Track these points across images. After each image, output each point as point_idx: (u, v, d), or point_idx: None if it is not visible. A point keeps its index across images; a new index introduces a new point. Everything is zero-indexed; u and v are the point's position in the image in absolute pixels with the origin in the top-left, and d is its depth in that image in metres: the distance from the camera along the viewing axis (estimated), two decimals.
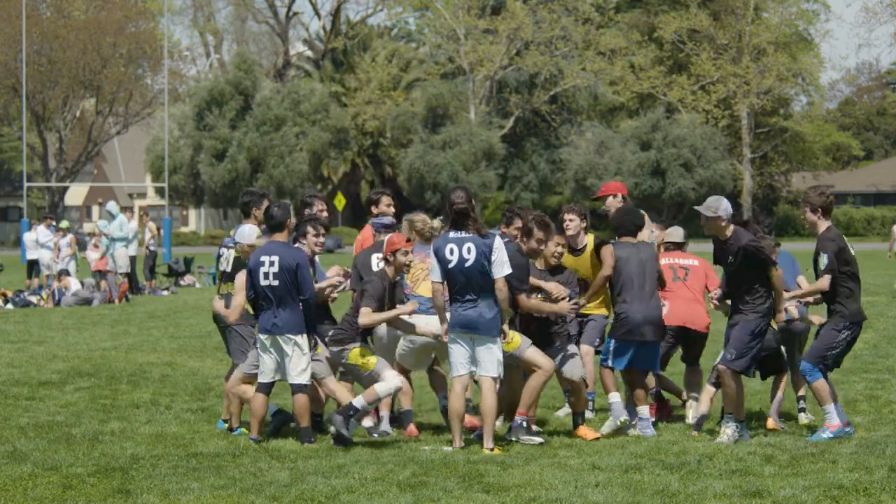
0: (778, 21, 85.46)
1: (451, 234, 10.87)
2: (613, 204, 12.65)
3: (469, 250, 10.74)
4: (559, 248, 11.70)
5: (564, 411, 12.77)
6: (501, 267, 10.73)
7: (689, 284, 12.56)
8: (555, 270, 11.76)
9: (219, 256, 12.13)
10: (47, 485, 9.38)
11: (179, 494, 9.04)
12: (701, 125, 77.56)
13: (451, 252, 10.78)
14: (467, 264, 10.73)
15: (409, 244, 11.27)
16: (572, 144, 79.60)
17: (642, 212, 12.53)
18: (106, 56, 75.34)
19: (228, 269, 11.89)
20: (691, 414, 12.28)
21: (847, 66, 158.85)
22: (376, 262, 11.74)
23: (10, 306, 28.48)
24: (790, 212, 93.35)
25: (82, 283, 30.35)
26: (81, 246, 36.99)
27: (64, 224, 33.28)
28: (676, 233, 13.17)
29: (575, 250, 12.38)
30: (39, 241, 32.71)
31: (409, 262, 11.25)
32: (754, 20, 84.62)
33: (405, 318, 11.33)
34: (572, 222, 12.33)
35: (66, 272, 30.23)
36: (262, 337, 11.27)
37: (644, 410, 11.76)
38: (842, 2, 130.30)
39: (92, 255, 31.06)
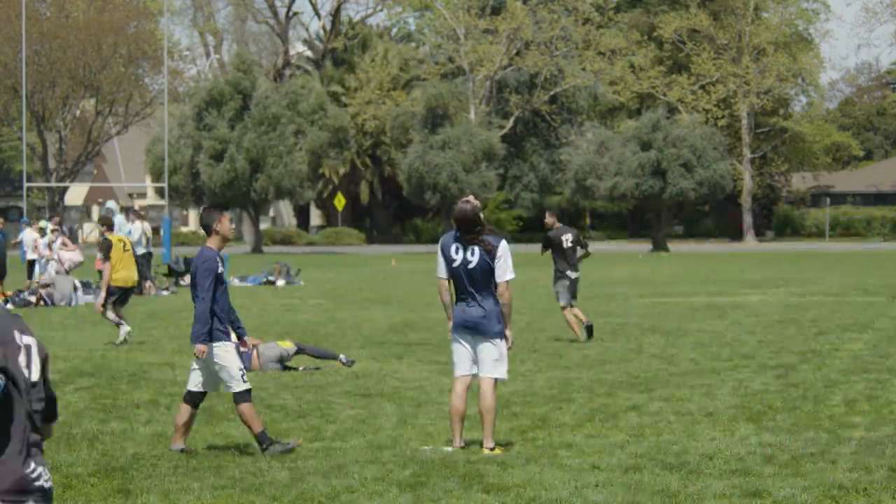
0: (778, 21, 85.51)
1: (459, 234, 10.75)
2: None
3: (473, 252, 10.62)
4: None
5: None
6: (506, 271, 10.62)
7: None
8: None
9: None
10: None
11: (179, 494, 9.03)
12: (701, 125, 77.49)
13: (457, 251, 10.68)
14: (470, 266, 10.63)
15: None
16: (572, 144, 79.58)
17: None
18: (106, 56, 75.38)
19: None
20: None
21: (847, 66, 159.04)
22: None
23: (9, 306, 28.43)
24: (790, 212, 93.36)
25: (85, 284, 30.28)
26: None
27: (42, 224, 33.09)
28: None
29: None
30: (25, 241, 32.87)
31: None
32: (754, 20, 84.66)
33: None
34: None
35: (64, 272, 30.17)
36: None
37: None
38: (842, 2, 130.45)
39: (65, 254, 30.80)
